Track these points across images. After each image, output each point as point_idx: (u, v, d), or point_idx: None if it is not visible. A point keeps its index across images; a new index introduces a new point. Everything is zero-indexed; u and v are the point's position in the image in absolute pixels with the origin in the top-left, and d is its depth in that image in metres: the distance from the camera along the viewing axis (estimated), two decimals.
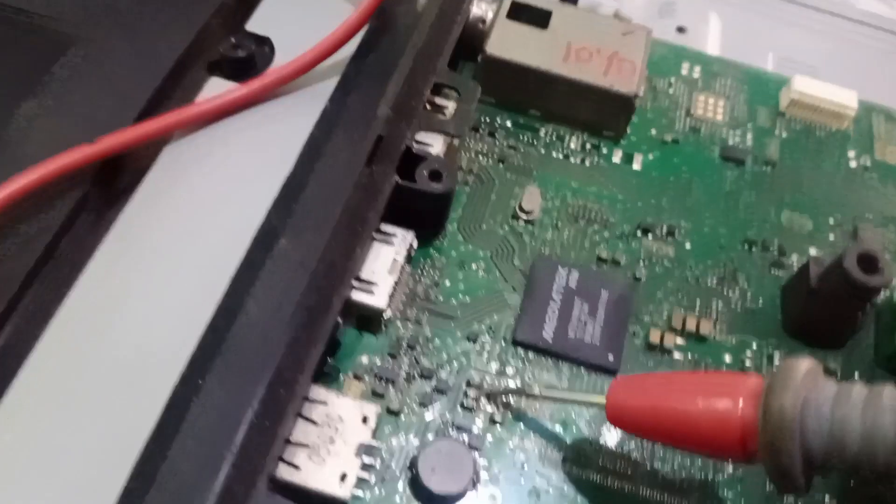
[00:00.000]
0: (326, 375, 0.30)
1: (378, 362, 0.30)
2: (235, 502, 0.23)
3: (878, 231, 0.37)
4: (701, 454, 0.29)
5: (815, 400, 0.23)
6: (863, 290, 0.30)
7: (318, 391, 0.28)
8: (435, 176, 0.31)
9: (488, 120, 0.38)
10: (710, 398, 0.24)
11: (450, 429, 0.29)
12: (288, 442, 0.26)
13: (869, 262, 0.30)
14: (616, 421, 0.27)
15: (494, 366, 0.31)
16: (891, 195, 0.38)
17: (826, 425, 0.23)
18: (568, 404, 0.30)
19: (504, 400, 0.30)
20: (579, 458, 0.29)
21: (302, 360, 0.26)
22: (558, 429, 0.30)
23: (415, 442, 0.29)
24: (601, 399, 0.27)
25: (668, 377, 0.28)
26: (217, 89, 0.36)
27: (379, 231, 0.31)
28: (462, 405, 0.30)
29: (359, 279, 0.30)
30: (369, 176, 0.30)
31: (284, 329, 0.26)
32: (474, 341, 0.31)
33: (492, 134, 0.37)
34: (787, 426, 0.22)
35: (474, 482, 0.28)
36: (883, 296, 0.34)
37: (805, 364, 0.24)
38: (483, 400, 0.30)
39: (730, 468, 0.30)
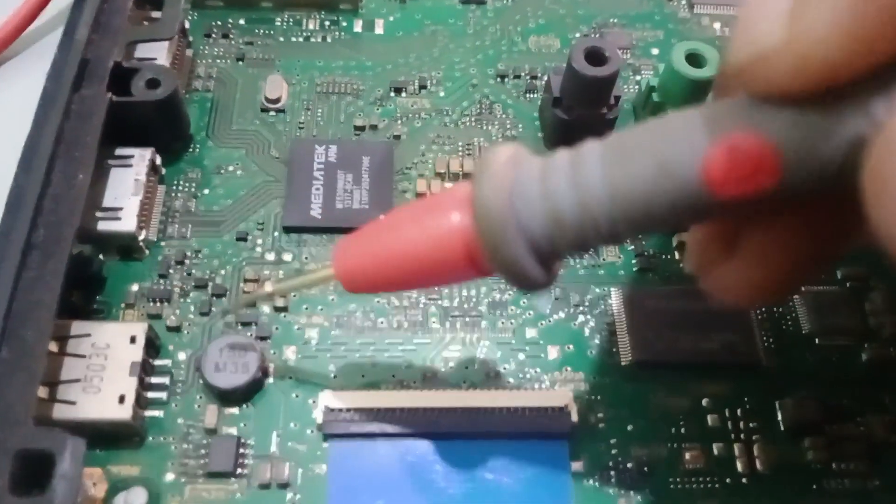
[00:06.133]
0: (98, 313, 0.29)
1: (149, 286, 0.30)
2: None
3: (624, 31, 0.38)
4: (447, 284, 0.29)
5: (521, 183, 0.20)
6: (595, 82, 0.31)
7: (80, 325, 0.27)
8: (152, 84, 0.30)
9: (219, 23, 0.36)
10: (423, 223, 0.22)
11: (237, 327, 0.29)
12: (59, 382, 0.26)
13: (596, 56, 0.31)
14: (351, 286, 0.24)
15: (271, 257, 0.31)
16: None
17: (538, 205, 0.19)
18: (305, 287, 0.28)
19: (250, 303, 0.29)
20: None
21: (44, 298, 0.25)
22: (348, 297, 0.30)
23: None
24: (329, 271, 0.24)
25: (385, 218, 0.24)
26: None
27: (114, 156, 0.30)
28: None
29: (102, 209, 0.29)
30: (80, 101, 0.29)
31: (12, 271, 0.25)
32: (245, 240, 0.31)
33: (226, 35, 0.36)
34: (497, 220, 0.20)
35: (265, 370, 0.28)
36: (638, 91, 0.35)
37: (505, 151, 0.21)
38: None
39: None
